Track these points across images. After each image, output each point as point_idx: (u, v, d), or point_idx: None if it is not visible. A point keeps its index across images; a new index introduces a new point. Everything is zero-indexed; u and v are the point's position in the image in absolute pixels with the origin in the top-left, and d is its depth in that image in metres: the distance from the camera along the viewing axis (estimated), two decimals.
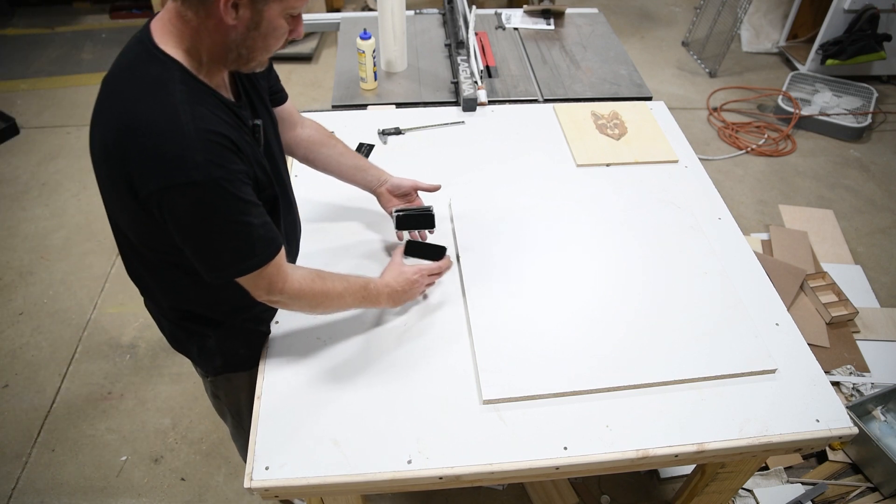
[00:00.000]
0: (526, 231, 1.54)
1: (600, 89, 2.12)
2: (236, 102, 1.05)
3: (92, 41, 4.24)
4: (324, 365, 1.25)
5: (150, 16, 4.17)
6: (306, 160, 1.44)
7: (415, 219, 1.41)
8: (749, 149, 3.37)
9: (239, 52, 0.94)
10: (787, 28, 4.17)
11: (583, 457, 1.12)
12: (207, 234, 0.96)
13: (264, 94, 1.17)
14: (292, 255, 1.33)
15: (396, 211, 1.41)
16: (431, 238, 1.49)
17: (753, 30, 4.29)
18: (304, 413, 1.17)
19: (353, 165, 1.44)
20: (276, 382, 1.22)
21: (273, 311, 1.31)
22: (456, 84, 2.02)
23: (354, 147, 1.79)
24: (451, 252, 1.49)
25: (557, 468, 1.12)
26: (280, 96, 1.30)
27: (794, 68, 3.97)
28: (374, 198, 1.51)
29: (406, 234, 1.45)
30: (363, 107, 1.99)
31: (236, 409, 1.47)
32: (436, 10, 2.57)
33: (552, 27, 2.48)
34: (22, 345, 2.34)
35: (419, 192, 1.51)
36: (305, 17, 2.67)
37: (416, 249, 1.40)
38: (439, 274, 1.37)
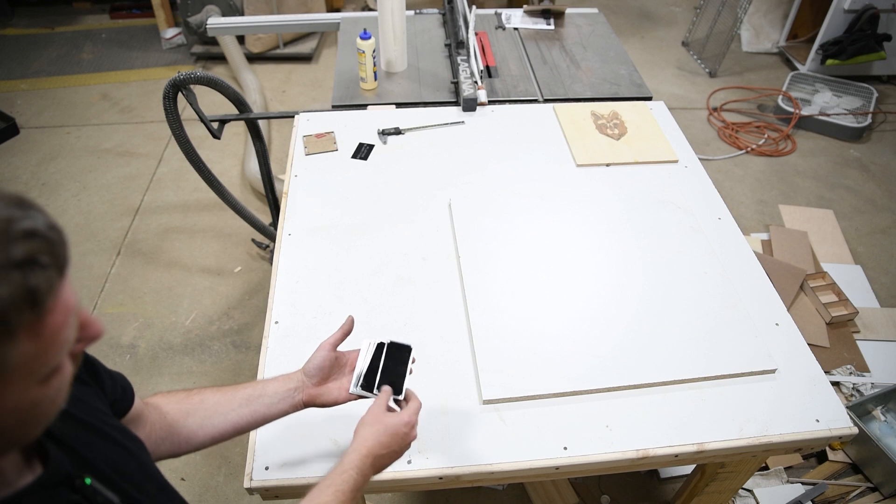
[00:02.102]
0: (526, 231, 1.54)
1: (600, 89, 2.12)
2: (37, 479, 0.61)
3: (92, 41, 4.24)
4: None
5: (150, 15, 4.09)
6: (177, 447, 0.93)
7: (376, 368, 0.98)
8: (749, 149, 3.37)
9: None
10: (787, 28, 4.17)
11: (583, 457, 1.12)
12: None
13: (90, 410, 0.74)
14: None
15: (357, 384, 0.97)
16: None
17: (753, 30, 4.29)
18: (304, 413, 1.17)
19: (244, 400, 0.95)
20: None
21: None
22: (456, 84, 2.02)
23: (354, 147, 1.79)
24: (451, 252, 1.49)
25: (557, 468, 1.12)
26: (126, 400, 0.85)
27: (794, 68, 3.97)
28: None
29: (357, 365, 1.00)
30: (363, 107, 1.99)
31: None
32: (436, 10, 2.57)
33: (552, 27, 2.48)
34: None
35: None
36: (306, 17, 2.68)
37: (388, 376, 0.97)
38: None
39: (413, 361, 1.00)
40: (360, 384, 0.96)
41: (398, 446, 0.89)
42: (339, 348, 1.00)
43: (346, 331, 1.01)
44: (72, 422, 0.68)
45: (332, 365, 0.98)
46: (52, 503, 0.61)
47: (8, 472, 0.59)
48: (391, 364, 0.98)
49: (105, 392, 0.80)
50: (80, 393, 0.73)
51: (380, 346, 1.01)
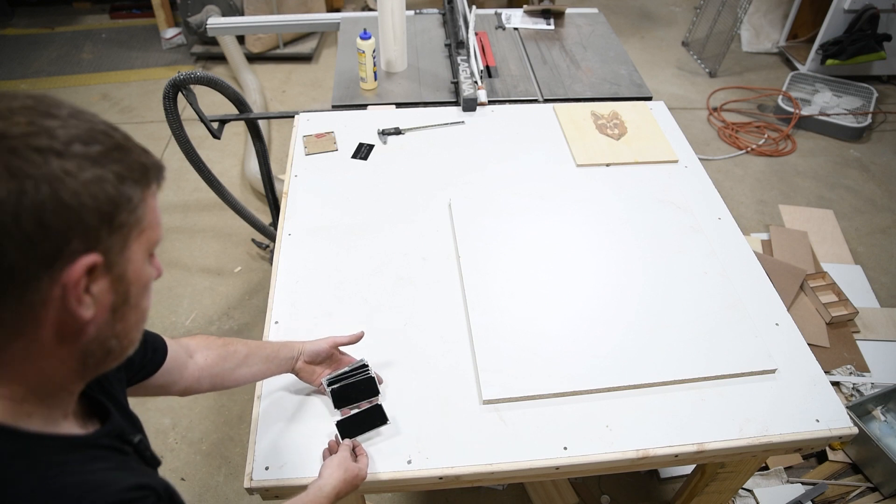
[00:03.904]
0: (526, 231, 1.54)
1: (600, 89, 2.12)
2: (103, 428, 0.70)
3: (92, 41, 4.24)
4: None
5: (150, 16, 4.07)
6: (214, 386, 1.09)
7: (354, 388, 1.17)
8: (749, 149, 3.37)
9: (107, 349, 0.62)
10: (787, 28, 4.17)
11: (583, 457, 1.12)
12: None
13: (116, 387, 0.81)
14: None
15: (329, 385, 1.17)
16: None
17: (753, 30, 4.29)
18: (304, 413, 1.17)
19: (264, 358, 1.13)
20: (275, 382, 1.22)
21: None
22: (456, 84, 2.02)
23: (354, 147, 1.79)
24: (451, 252, 1.49)
25: (557, 468, 1.12)
26: (157, 358, 0.94)
27: (794, 68, 3.97)
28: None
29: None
30: (363, 107, 1.99)
31: None
32: (436, 10, 2.57)
33: (552, 27, 2.48)
34: None
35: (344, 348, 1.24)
36: (306, 17, 2.68)
37: (354, 426, 1.14)
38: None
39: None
40: (331, 389, 1.16)
41: (352, 488, 1.04)
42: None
43: (353, 340, 1.21)
44: (107, 393, 0.77)
45: (327, 357, 1.19)
46: (114, 449, 0.69)
47: (79, 418, 0.69)
48: (365, 417, 1.14)
49: (133, 362, 0.88)
50: (111, 374, 0.80)
51: (370, 381, 1.17)
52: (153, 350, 0.93)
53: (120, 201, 0.57)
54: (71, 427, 0.66)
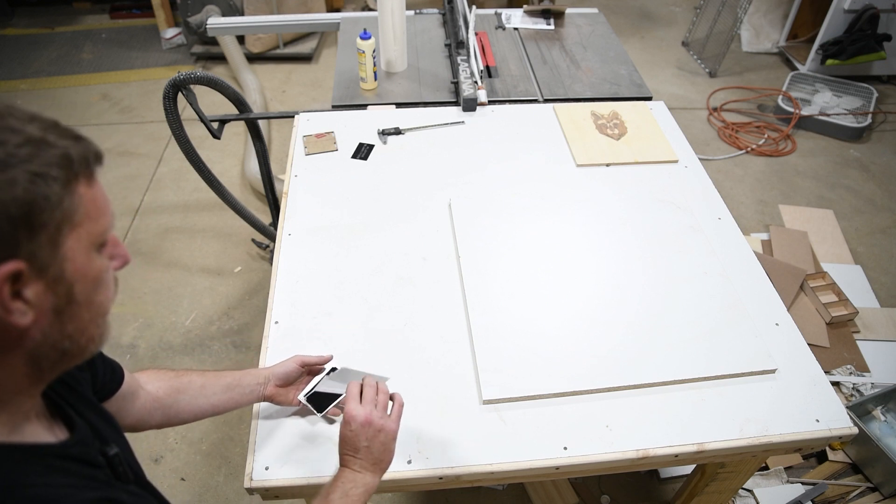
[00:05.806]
0: (526, 231, 1.54)
1: (600, 89, 2.12)
2: (71, 439, 0.68)
3: (92, 41, 4.24)
4: None
5: (150, 16, 4.08)
6: (168, 420, 1.04)
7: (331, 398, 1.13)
8: (749, 149, 3.37)
9: (61, 350, 0.60)
10: (787, 28, 4.17)
11: (583, 457, 1.12)
12: None
13: (88, 391, 0.81)
14: None
15: (308, 400, 1.13)
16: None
17: (753, 30, 4.29)
18: (304, 413, 1.17)
19: (224, 387, 1.08)
20: None
21: None
22: (456, 84, 2.02)
23: (354, 147, 1.79)
24: (451, 252, 1.49)
25: (557, 468, 1.12)
26: (116, 378, 0.91)
27: (794, 68, 3.97)
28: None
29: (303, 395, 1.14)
30: (363, 107, 1.99)
31: None
32: (436, 10, 2.57)
33: (552, 27, 2.48)
34: None
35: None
36: (306, 17, 2.68)
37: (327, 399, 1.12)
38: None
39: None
40: (307, 398, 1.12)
41: (365, 439, 0.97)
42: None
43: (321, 362, 1.16)
44: (78, 397, 0.75)
45: (297, 377, 1.15)
46: (83, 461, 0.66)
47: (46, 420, 0.67)
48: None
49: (97, 374, 0.86)
50: (80, 377, 0.79)
51: (334, 370, 1.13)
52: (111, 369, 0.90)
53: (35, 201, 0.53)
54: (37, 430, 0.64)
